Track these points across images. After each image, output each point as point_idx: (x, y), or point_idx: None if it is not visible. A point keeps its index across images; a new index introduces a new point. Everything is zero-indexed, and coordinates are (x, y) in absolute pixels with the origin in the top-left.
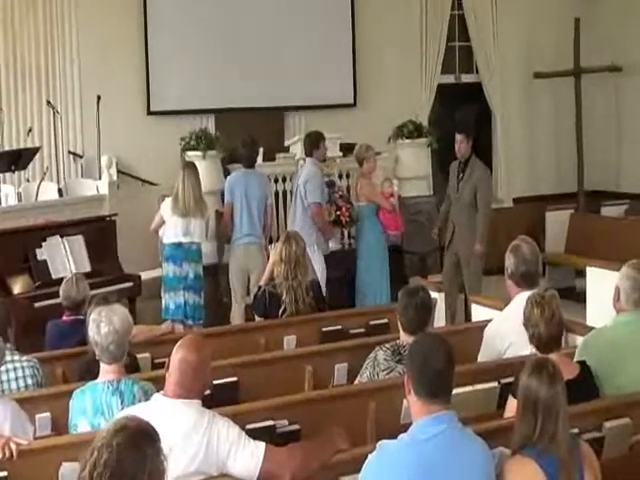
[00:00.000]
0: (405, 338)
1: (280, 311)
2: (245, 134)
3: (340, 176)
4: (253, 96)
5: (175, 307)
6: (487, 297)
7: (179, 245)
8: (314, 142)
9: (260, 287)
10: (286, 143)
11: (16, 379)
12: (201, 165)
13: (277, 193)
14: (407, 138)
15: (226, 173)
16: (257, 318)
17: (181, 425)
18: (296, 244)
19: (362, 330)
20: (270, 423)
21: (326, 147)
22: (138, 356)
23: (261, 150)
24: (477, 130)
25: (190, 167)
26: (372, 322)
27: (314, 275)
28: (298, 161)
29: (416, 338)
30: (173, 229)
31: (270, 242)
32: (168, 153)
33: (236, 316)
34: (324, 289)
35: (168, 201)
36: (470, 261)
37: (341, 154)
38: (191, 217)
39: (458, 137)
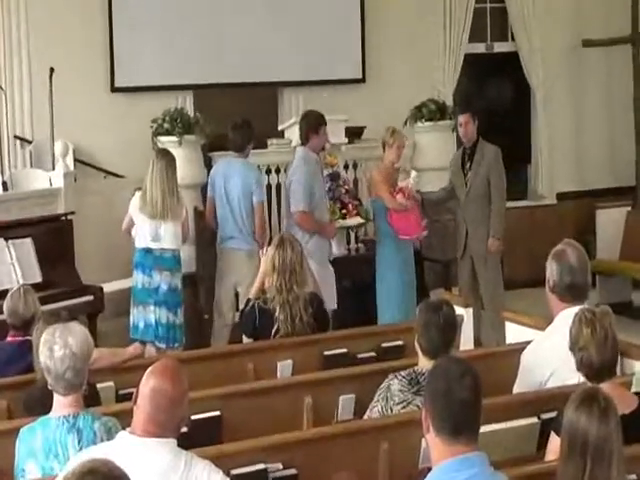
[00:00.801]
0: (425, 364)
1: (273, 331)
2: (230, 115)
3: (346, 167)
4: (240, 69)
5: (145, 326)
6: (524, 314)
7: (148, 251)
8: (312, 126)
9: (249, 301)
10: (280, 127)
11: None
12: (177, 153)
13: (269, 187)
14: (427, 120)
15: (208, 163)
16: (245, 339)
17: (153, 469)
18: (291, 249)
19: (372, 354)
20: (261, 467)
21: (327, 134)
22: (99, 385)
23: None
24: (512, 110)
25: (162, 156)
26: (385, 344)
27: (315, 287)
28: (295, 148)
29: (436, 363)
30: (141, 231)
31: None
32: (137, 138)
33: (218, 336)
34: (335, 304)
35: (137, 196)
36: (487, 262)
37: (346, 140)
38: (160, 219)
39: (462, 118)
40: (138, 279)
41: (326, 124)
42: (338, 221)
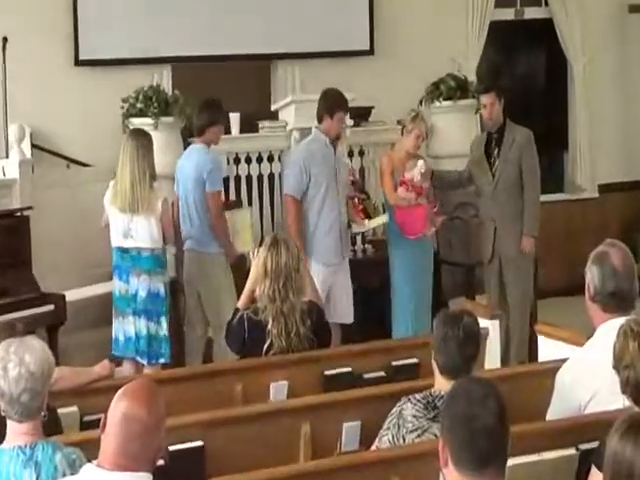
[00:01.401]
0: (443, 385)
1: (264, 346)
2: (215, 94)
3: (350, 154)
4: (227, 39)
5: (125, 339)
6: (560, 326)
7: (124, 251)
8: (327, 108)
9: (236, 312)
10: (273, 107)
11: None
12: (153, 137)
13: (260, 178)
14: (446, 100)
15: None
16: (232, 356)
17: None
18: (286, 251)
19: (382, 374)
20: None
21: (343, 121)
22: (61, 411)
23: (237, 117)
24: (545, 88)
25: (133, 136)
26: (396, 362)
27: (314, 295)
28: (291, 132)
29: (456, 384)
30: (113, 228)
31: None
32: (105, 121)
33: (190, 351)
34: (351, 317)
35: (110, 187)
36: (518, 265)
37: (351, 122)
38: (131, 212)
39: (485, 98)
40: (115, 285)
41: (346, 110)
42: (364, 223)
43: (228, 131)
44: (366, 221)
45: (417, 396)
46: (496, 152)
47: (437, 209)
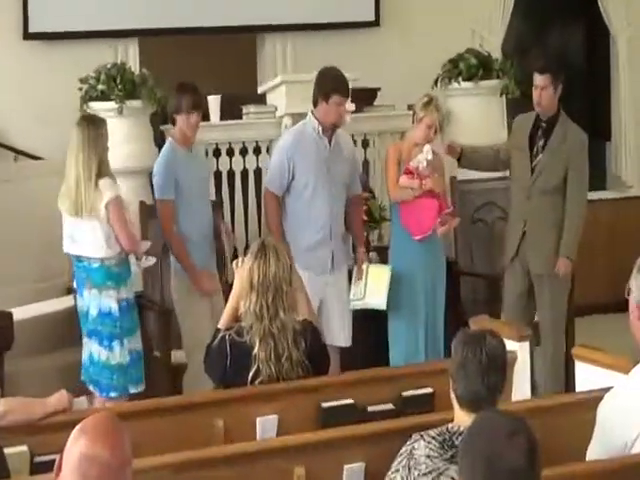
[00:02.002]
0: (462, 419)
1: (250, 374)
2: (191, 73)
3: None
4: (205, 9)
5: (84, 366)
6: (601, 350)
7: (79, 260)
8: (321, 90)
9: (217, 332)
10: (260, 89)
11: None
12: (116, 125)
13: (244, 173)
14: (466, 80)
15: (160, 139)
16: (208, 385)
17: None
18: (276, 260)
19: (390, 407)
20: None
21: (342, 107)
22: (8, 450)
23: (217, 101)
24: (584, 66)
25: (81, 126)
26: (407, 393)
27: (309, 312)
28: (281, 119)
29: (477, 418)
30: (64, 231)
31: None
32: (60, 105)
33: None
34: (348, 339)
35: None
36: (552, 283)
37: (354, 107)
38: (76, 215)
39: (539, 79)
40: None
41: (345, 93)
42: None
43: (206, 118)
44: (361, 285)
45: (431, 432)
46: (541, 143)
47: (452, 209)
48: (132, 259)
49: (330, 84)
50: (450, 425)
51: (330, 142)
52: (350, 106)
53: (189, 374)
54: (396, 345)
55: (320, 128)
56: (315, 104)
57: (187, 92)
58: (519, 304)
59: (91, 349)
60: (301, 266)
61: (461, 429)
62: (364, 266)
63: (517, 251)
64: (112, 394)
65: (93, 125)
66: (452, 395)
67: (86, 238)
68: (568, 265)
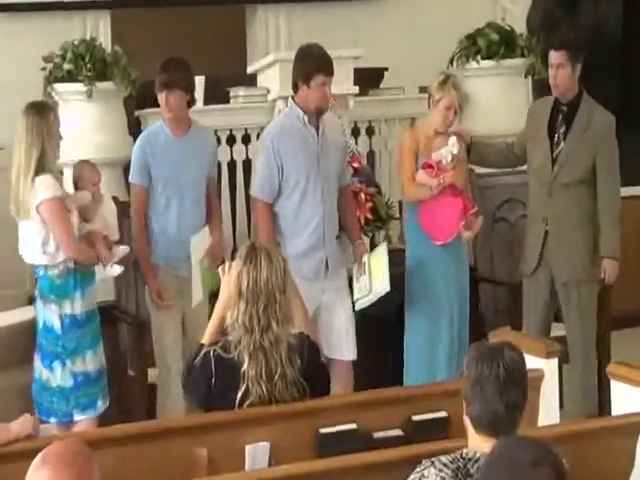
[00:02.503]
0: (478, 445)
1: (239, 395)
2: (172, 50)
3: (355, 132)
4: None
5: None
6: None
7: (36, 267)
8: (301, 71)
9: (201, 348)
10: (250, 68)
11: None
12: (86, 110)
13: (232, 164)
14: (486, 58)
15: (135, 125)
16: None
17: None
18: (268, 264)
19: (398, 432)
20: None
21: (326, 88)
22: None
23: (201, 82)
24: (622, 44)
25: (27, 113)
26: (417, 416)
27: (306, 325)
28: (274, 103)
29: (497, 445)
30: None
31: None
32: (21, 87)
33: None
34: (353, 352)
35: None
36: (580, 289)
37: (357, 89)
38: (17, 215)
39: (554, 56)
40: None
41: (328, 72)
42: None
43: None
44: (364, 279)
45: (444, 459)
46: (562, 130)
47: (476, 209)
48: (99, 267)
49: (311, 63)
50: (465, 451)
51: (318, 132)
52: (353, 89)
53: (164, 395)
54: (412, 362)
55: (305, 117)
56: (295, 89)
57: (160, 69)
58: (543, 317)
59: (34, 365)
60: (292, 273)
61: (477, 455)
62: (364, 258)
63: (540, 257)
64: (52, 419)
65: (38, 113)
66: (466, 419)
67: (26, 242)
68: (616, 267)
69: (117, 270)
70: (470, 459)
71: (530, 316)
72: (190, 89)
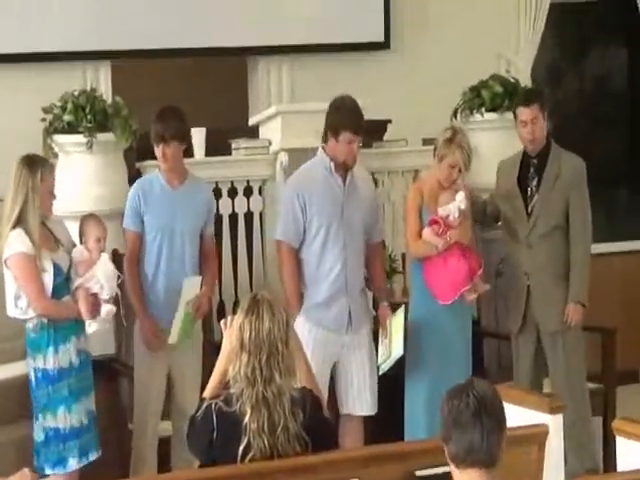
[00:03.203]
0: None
1: (240, 448)
2: (172, 101)
3: None
4: (188, 28)
5: None
6: None
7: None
8: (331, 124)
9: (202, 402)
10: (251, 120)
11: None
12: (86, 161)
13: (234, 217)
14: (490, 110)
15: (135, 177)
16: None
17: None
18: (271, 316)
19: None
20: None
21: (352, 146)
22: None
23: (202, 134)
24: (628, 93)
25: (18, 165)
26: (421, 472)
27: (309, 380)
28: (276, 156)
29: None
30: None
31: (222, 314)
32: (20, 138)
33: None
34: (373, 407)
35: None
36: (565, 338)
37: (360, 142)
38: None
39: (527, 112)
40: None
41: (356, 130)
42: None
43: (189, 153)
44: (386, 343)
45: None
46: (534, 183)
47: (482, 270)
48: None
49: (339, 118)
50: None
51: (344, 182)
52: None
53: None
54: (413, 420)
55: (332, 165)
56: (325, 139)
57: (156, 119)
58: (532, 373)
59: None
60: (313, 322)
61: None
62: (387, 322)
63: (525, 312)
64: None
65: (26, 166)
66: (450, 465)
67: (5, 294)
68: (581, 312)
69: (93, 328)
70: None
71: (520, 373)
72: (186, 139)
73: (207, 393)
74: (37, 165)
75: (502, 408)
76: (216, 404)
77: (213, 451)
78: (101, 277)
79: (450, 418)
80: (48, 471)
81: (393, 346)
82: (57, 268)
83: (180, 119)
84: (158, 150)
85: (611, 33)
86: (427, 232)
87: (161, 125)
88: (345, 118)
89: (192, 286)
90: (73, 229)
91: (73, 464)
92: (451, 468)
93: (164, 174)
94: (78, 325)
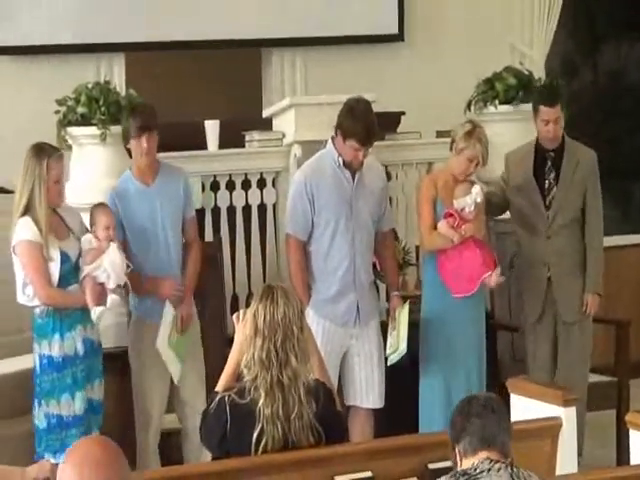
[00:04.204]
0: (471, 462)
1: (254, 437)
2: (186, 94)
3: None
4: (201, 21)
5: None
6: None
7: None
8: (341, 124)
9: (214, 395)
10: (265, 112)
11: None
12: (99, 153)
13: (247, 209)
14: (504, 103)
15: None
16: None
17: None
18: (286, 301)
19: None
20: None
21: (358, 152)
22: None
23: (215, 126)
24: None
25: (27, 155)
26: (434, 465)
27: (321, 372)
28: (290, 148)
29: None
30: None
31: (235, 307)
32: (34, 130)
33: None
34: (380, 400)
35: None
36: (583, 331)
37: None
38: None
39: (552, 112)
40: None
41: (362, 142)
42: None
43: (203, 145)
44: (395, 335)
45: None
46: (552, 176)
47: (496, 263)
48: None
49: (349, 125)
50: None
51: (354, 177)
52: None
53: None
54: (428, 414)
55: (341, 160)
56: (334, 134)
57: (135, 114)
58: (550, 363)
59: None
60: (321, 315)
61: (476, 464)
62: (397, 313)
63: (543, 309)
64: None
65: (34, 155)
66: (458, 459)
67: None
68: (597, 302)
69: (97, 313)
70: (466, 472)
71: (538, 361)
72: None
73: (220, 386)
74: (44, 154)
75: (507, 411)
76: (229, 396)
77: (226, 444)
78: (108, 266)
79: (461, 416)
80: (49, 459)
81: (400, 339)
82: (65, 256)
83: (154, 112)
84: (138, 144)
85: (627, 23)
86: (442, 225)
87: (141, 117)
88: (354, 127)
89: (164, 323)
90: (86, 220)
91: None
92: (457, 457)
93: (138, 172)
94: (85, 314)
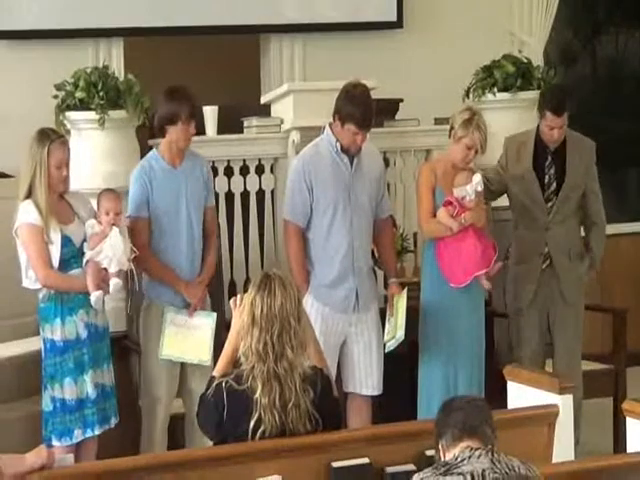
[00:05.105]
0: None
1: (251, 425)
2: (185, 78)
3: None
4: (200, 6)
5: None
6: None
7: None
8: (339, 108)
9: (212, 381)
10: (263, 98)
11: None
12: (98, 138)
13: (245, 195)
14: (502, 90)
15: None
16: (204, 441)
17: None
18: (283, 291)
19: (411, 467)
20: None
21: (356, 136)
22: None
23: (214, 112)
24: None
25: (31, 140)
26: (431, 451)
27: (318, 358)
28: (288, 134)
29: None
30: None
31: (233, 292)
32: (32, 115)
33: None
34: (378, 386)
35: None
36: (578, 313)
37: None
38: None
39: (559, 121)
40: None
41: (361, 126)
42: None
43: (202, 131)
44: (393, 322)
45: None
46: (552, 171)
47: (496, 254)
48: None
49: (347, 110)
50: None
51: (352, 162)
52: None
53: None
54: (427, 402)
55: (338, 145)
56: (333, 119)
57: (184, 99)
58: (538, 349)
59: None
60: (320, 301)
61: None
62: (394, 300)
63: (535, 295)
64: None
65: (37, 140)
66: (442, 454)
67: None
68: (593, 275)
69: (93, 298)
70: (447, 463)
71: (525, 349)
72: None
73: (217, 371)
74: (46, 139)
75: (489, 408)
76: (227, 382)
77: (224, 429)
78: (109, 251)
79: (443, 412)
80: (55, 442)
81: (398, 327)
82: (66, 240)
83: (191, 96)
84: (186, 129)
85: (626, 12)
86: (442, 213)
87: (187, 104)
88: (352, 111)
89: (205, 331)
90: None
91: (79, 436)
92: (443, 455)
93: (169, 154)
94: (87, 298)
